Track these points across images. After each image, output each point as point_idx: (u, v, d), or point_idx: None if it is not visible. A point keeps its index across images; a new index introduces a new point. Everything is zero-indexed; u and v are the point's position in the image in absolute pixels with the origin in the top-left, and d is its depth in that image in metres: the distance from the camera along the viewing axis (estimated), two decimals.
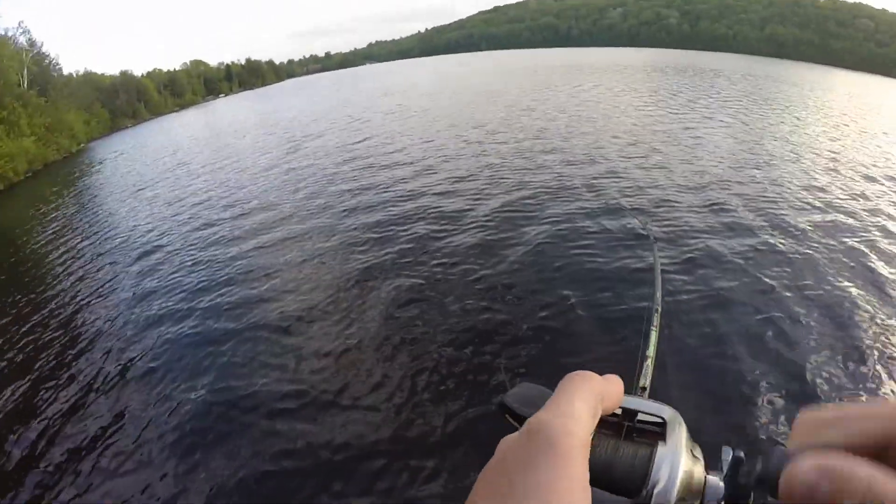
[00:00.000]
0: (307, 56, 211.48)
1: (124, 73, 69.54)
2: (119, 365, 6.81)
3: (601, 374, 0.45)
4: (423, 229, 9.46)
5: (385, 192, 12.22)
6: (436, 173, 13.56)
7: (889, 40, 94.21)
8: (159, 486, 4.61)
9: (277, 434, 4.94)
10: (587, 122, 19.50)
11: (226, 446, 4.92)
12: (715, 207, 9.60)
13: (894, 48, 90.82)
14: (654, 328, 1.54)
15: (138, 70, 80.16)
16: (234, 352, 6.49)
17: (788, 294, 6.45)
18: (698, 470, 0.44)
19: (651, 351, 1.37)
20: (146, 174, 23.01)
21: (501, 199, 10.59)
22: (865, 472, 0.27)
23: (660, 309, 1.69)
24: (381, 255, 8.60)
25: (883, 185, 11.39)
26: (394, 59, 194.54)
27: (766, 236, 8.29)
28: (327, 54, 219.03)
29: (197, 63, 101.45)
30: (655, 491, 0.41)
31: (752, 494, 0.39)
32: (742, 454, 0.41)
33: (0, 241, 16.69)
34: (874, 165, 13.09)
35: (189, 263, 9.94)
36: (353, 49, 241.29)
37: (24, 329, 8.56)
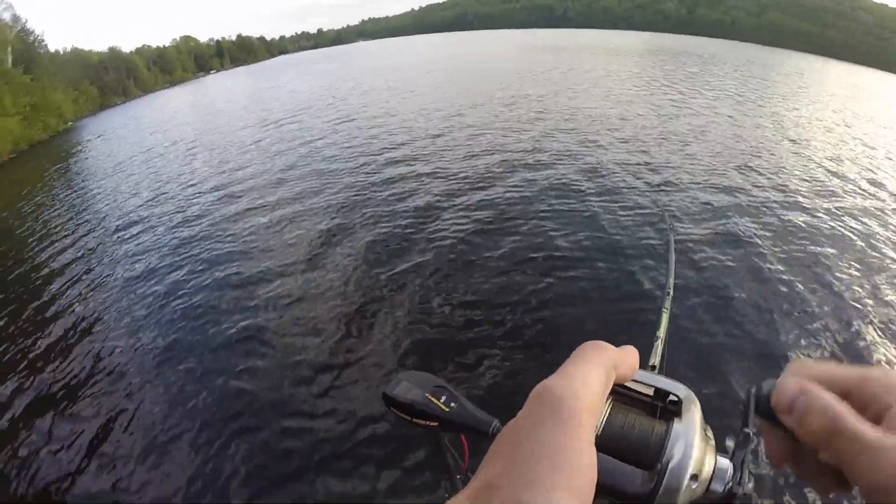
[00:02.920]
0: (299, 33, 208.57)
1: (113, 50, 67.17)
2: (113, 345, 6.80)
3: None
4: (435, 205, 9.55)
5: (381, 171, 12.12)
6: (440, 151, 13.48)
7: (888, 35, 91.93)
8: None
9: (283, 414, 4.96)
10: (594, 104, 18.76)
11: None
12: (719, 192, 9.81)
13: (893, 42, 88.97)
14: (665, 310, 1.58)
15: (127, 47, 78.24)
16: (232, 329, 6.49)
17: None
18: (710, 450, 0.46)
19: (662, 332, 1.39)
20: (136, 152, 22.47)
21: (511, 177, 10.71)
22: (831, 401, 0.36)
23: (671, 292, 1.73)
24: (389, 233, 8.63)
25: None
26: (387, 37, 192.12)
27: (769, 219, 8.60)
28: (319, 31, 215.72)
29: (187, 39, 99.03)
30: (670, 466, 0.42)
31: (747, 469, 0.43)
32: (750, 432, 0.43)
33: None
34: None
35: (182, 243, 9.85)
36: (345, 26, 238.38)
37: (13, 314, 8.44)
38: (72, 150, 28.90)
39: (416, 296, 6.60)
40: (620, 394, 0.51)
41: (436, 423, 0.73)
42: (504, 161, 11.91)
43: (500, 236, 8.04)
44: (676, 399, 0.49)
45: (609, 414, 0.46)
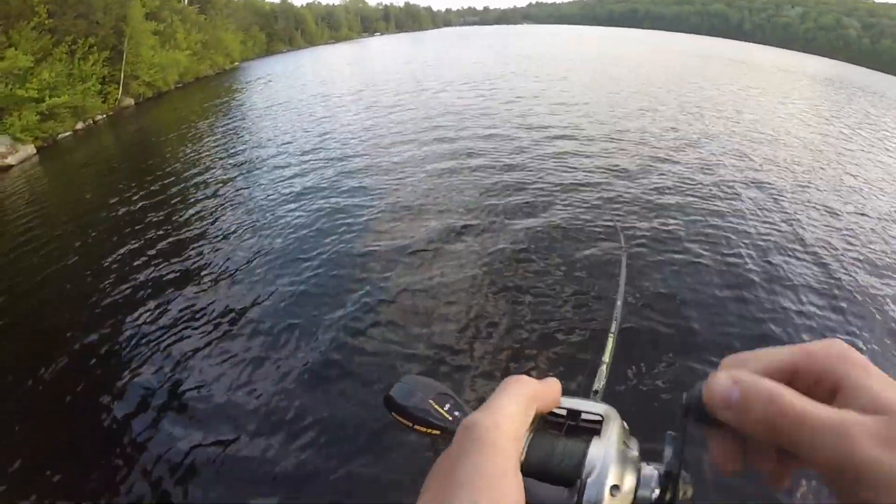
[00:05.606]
0: (465, 7, 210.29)
1: (284, 2, 71.04)
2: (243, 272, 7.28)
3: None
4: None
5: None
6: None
7: None
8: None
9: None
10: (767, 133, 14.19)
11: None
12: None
13: None
14: (612, 335, 1.60)
15: (298, 1, 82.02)
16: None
17: None
18: (632, 460, 0.48)
19: (607, 357, 1.43)
20: (293, 97, 23.59)
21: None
22: (769, 384, 0.35)
23: (619, 318, 1.74)
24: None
25: None
26: (552, 23, 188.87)
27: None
28: (486, 8, 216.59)
29: (356, 0, 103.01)
30: (589, 480, 0.45)
31: (681, 471, 0.45)
32: (674, 434, 0.46)
33: (140, 141, 18.46)
34: None
35: (321, 193, 10.16)
36: (512, 6, 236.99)
37: (149, 222, 9.41)
38: (234, 88, 31.12)
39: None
40: (546, 421, 0.53)
41: (438, 432, 0.72)
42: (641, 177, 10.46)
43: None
44: (599, 418, 0.52)
45: (533, 440, 0.48)
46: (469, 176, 10.36)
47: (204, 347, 5.63)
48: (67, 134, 19.88)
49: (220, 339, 5.77)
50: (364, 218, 8.61)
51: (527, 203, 8.92)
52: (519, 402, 0.44)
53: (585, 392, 0.83)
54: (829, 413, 0.32)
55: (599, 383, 1.27)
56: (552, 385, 0.50)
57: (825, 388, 0.35)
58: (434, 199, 9.25)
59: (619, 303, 1.92)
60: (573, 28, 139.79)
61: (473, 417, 0.42)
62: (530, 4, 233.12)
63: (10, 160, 15.76)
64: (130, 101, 26.33)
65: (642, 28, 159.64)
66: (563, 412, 0.54)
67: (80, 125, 21.04)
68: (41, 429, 4.81)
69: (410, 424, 0.72)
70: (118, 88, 25.09)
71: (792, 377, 0.37)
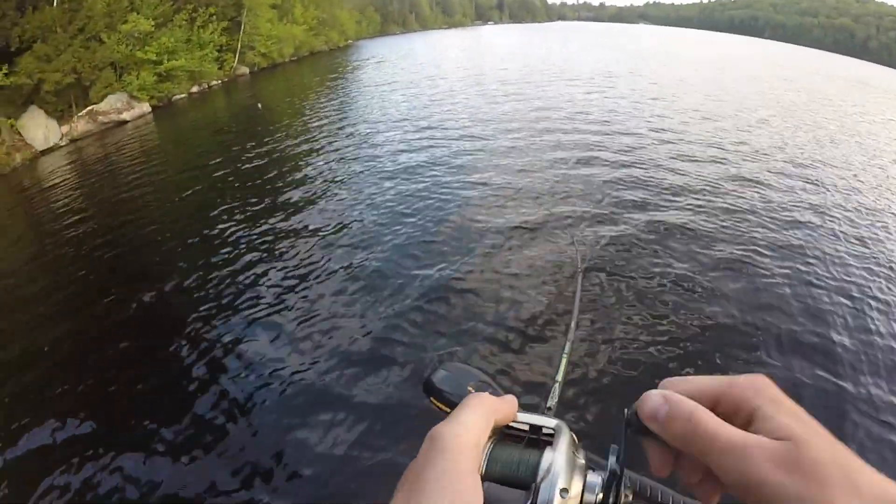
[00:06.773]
0: (580, 2, 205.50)
1: None
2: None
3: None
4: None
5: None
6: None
7: None
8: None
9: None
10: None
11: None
12: None
13: None
14: (565, 354, 1.59)
15: None
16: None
17: None
18: (580, 468, 0.51)
19: (560, 375, 1.43)
20: (406, 77, 23.50)
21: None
22: (691, 404, 0.41)
23: (573, 337, 1.71)
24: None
25: None
26: (669, 25, 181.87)
27: None
28: (601, 4, 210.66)
29: None
30: (542, 484, 0.48)
31: (622, 474, 0.49)
32: (618, 447, 0.50)
33: (251, 107, 18.79)
34: None
35: (420, 174, 9.54)
36: (629, 4, 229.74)
37: (251, 182, 9.66)
38: (347, 64, 31.60)
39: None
40: (505, 434, 0.57)
41: None
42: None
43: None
44: (551, 431, 0.56)
45: (493, 450, 0.52)
46: (573, 170, 9.59)
47: (282, 297, 5.70)
48: (182, 96, 20.75)
49: (306, 289, 5.84)
50: (457, 192, 8.46)
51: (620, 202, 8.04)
52: (478, 415, 0.48)
53: (540, 409, 0.87)
54: (736, 435, 0.37)
55: (553, 400, 1.28)
56: (509, 401, 0.54)
57: (742, 416, 0.40)
58: (533, 185, 8.74)
59: (572, 323, 1.84)
60: (697, 33, 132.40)
61: (437, 428, 0.45)
62: (647, 4, 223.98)
63: (126, 116, 16.52)
64: (245, 70, 27.20)
65: (762, 37, 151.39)
66: (520, 426, 0.58)
67: (195, 88, 21.90)
68: (128, 360, 4.99)
69: (448, 411, 0.70)
70: (234, 57, 25.94)
71: (715, 403, 0.42)
